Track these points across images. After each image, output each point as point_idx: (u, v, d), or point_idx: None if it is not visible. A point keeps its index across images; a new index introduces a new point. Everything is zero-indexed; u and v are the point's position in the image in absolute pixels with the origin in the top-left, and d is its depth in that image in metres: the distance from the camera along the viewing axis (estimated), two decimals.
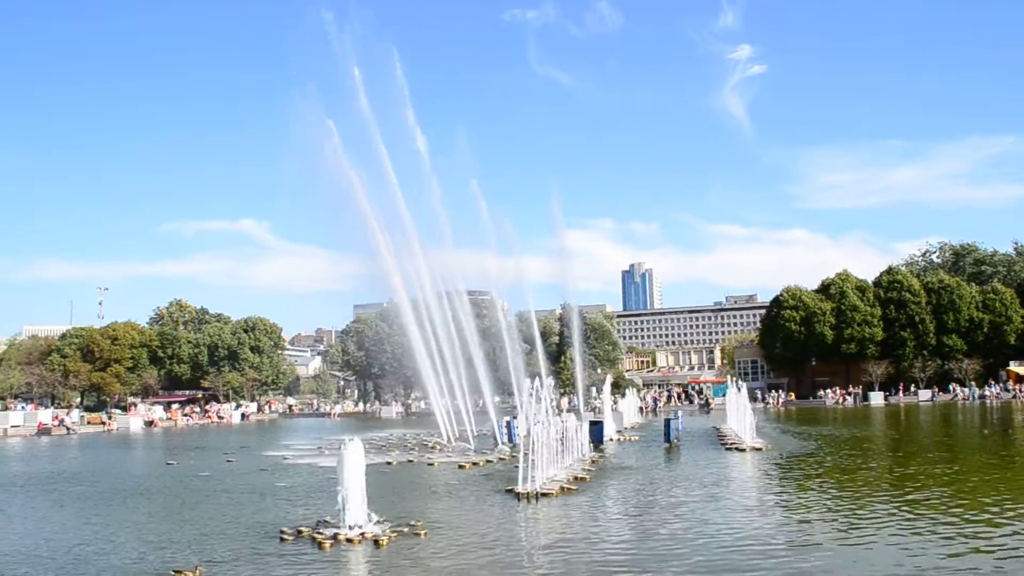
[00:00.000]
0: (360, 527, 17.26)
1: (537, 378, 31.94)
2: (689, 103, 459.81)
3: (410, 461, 35.22)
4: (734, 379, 65.92)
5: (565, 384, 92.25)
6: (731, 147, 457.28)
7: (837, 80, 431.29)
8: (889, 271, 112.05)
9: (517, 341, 54.02)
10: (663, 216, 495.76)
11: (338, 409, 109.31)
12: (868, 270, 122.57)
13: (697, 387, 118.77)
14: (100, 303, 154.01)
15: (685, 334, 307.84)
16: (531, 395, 27.42)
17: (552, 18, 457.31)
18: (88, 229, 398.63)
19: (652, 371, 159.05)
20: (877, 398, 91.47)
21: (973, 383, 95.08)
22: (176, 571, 14.16)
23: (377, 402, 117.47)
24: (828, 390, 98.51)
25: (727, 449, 38.06)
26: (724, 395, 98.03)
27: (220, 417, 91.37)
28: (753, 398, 63.96)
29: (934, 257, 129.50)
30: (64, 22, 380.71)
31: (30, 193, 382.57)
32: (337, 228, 47.00)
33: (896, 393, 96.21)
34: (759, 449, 36.67)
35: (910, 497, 21.57)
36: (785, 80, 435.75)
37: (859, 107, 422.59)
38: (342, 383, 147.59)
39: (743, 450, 36.91)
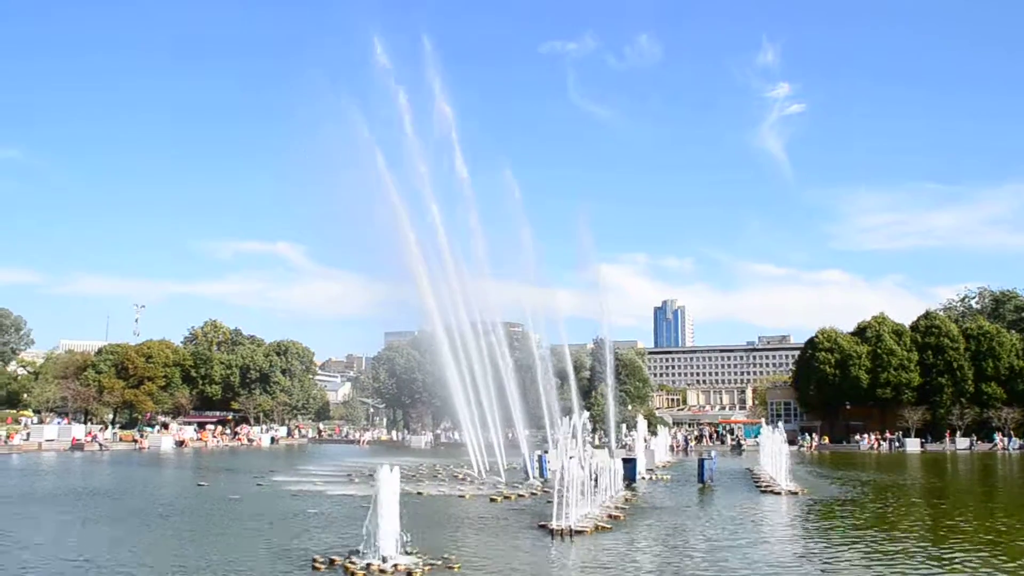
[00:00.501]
0: (393, 558, 17.07)
1: (573, 414, 31.68)
2: (727, 140, 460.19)
3: (441, 492, 34.97)
4: (769, 421, 65.09)
5: (596, 420, 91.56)
6: (768, 185, 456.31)
7: (876, 121, 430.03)
8: (927, 316, 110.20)
9: (550, 375, 53.75)
10: (697, 252, 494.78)
11: (367, 436, 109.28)
12: (904, 314, 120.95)
13: (728, 427, 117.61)
14: (136, 320, 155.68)
15: (716, 373, 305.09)
16: (567, 431, 27.17)
17: (591, 50, 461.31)
18: (127, 246, 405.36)
19: (682, 409, 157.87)
20: (913, 444, 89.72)
21: (1013, 433, 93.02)
22: None
23: (406, 431, 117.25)
24: (864, 435, 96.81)
25: (762, 492, 37.40)
26: (756, 436, 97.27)
27: (250, 440, 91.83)
28: (791, 441, 62.90)
29: (973, 303, 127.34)
30: (112, 41, 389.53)
31: (71, 209, 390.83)
32: (374, 254, 47.18)
33: (932, 440, 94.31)
34: (795, 493, 36.01)
35: (955, 554, 20.86)
36: (824, 119, 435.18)
37: (898, 149, 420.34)
38: (371, 410, 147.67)
39: (778, 493, 36.28)
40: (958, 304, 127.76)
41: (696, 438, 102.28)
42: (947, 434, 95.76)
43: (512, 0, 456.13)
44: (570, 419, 27.86)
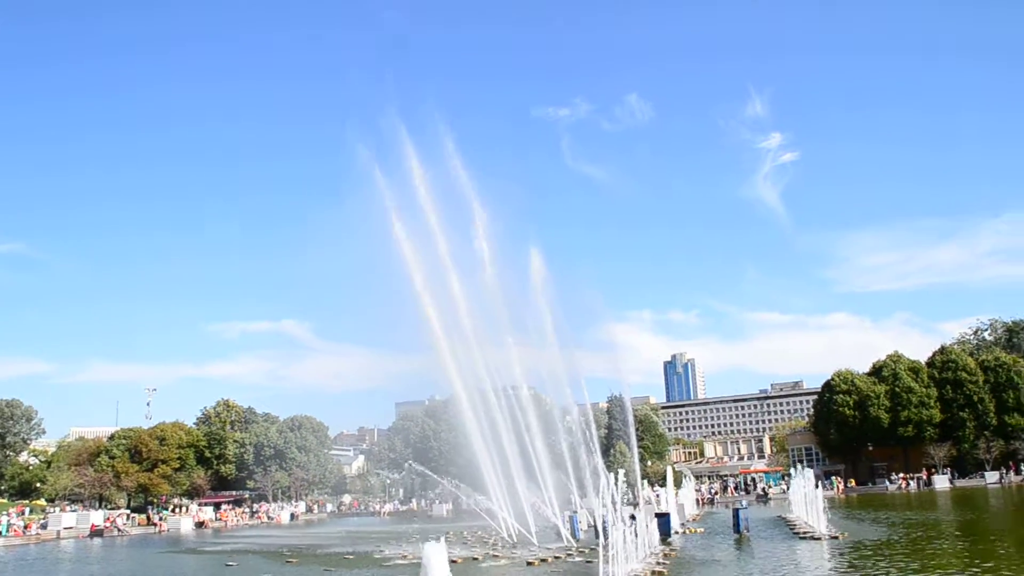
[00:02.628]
0: None
1: (614, 474, 31.29)
2: (722, 192, 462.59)
3: (475, 559, 34.28)
4: (797, 467, 64.22)
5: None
6: (766, 234, 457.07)
7: (869, 162, 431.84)
8: (942, 351, 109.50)
9: (577, 437, 53.20)
10: (702, 305, 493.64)
11: (388, 507, 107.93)
12: (916, 351, 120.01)
13: (750, 477, 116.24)
14: (148, 404, 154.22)
15: (731, 423, 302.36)
16: (604, 490, 26.82)
17: (584, 114, 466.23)
18: (133, 331, 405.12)
19: (701, 462, 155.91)
20: (942, 482, 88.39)
21: None
22: None
23: (424, 500, 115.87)
24: (893, 475, 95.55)
25: (801, 538, 36.72)
26: (777, 483, 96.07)
27: (270, 517, 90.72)
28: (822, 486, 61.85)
29: (986, 335, 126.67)
30: (110, 123, 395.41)
31: (75, 298, 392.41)
32: (383, 327, 47.33)
33: (959, 476, 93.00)
34: (835, 537, 35.34)
35: None
36: (817, 165, 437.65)
37: (894, 187, 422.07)
38: (387, 481, 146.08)
39: (818, 539, 35.62)
40: (972, 337, 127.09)
41: (721, 489, 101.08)
42: (970, 468, 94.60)
43: (502, 68, 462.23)
44: (613, 479, 27.47)
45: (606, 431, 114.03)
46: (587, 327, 73.20)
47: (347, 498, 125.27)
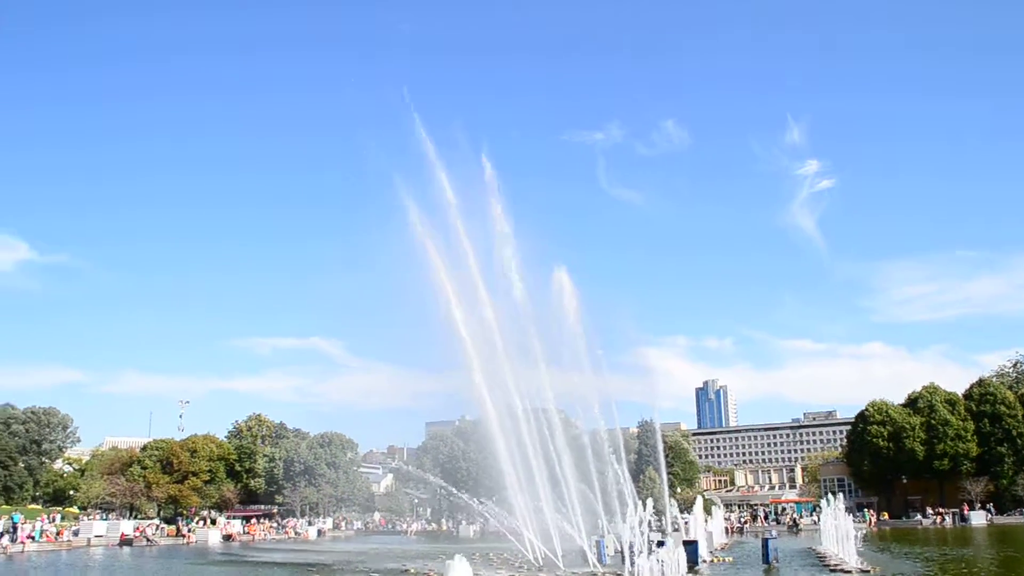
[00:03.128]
0: None
1: (643, 500, 31.15)
2: (759, 219, 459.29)
3: None
4: (827, 498, 63.32)
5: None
6: (802, 262, 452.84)
7: (907, 192, 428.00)
8: (980, 383, 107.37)
9: (606, 462, 52.99)
10: (736, 332, 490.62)
11: (415, 526, 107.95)
12: (953, 384, 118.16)
13: (781, 507, 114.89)
14: (181, 416, 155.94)
15: (763, 452, 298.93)
16: (637, 517, 26.72)
17: (619, 139, 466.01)
18: (168, 344, 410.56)
19: (731, 490, 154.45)
20: (979, 517, 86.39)
21: None
22: None
23: (451, 520, 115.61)
24: (928, 509, 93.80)
25: (831, 571, 36.17)
26: (809, 514, 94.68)
27: (297, 532, 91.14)
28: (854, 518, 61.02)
29: None
30: (153, 136, 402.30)
31: (113, 309, 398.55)
32: (415, 346, 47.61)
33: (997, 512, 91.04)
34: (867, 571, 34.77)
35: None
36: (855, 193, 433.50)
37: (931, 218, 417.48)
38: (415, 500, 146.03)
39: (849, 572, 35.04)
40: (1011, 370, 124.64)
41: (751, 518, 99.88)
42: (1008, 505, 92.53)
43: (537, 93, 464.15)
44: (643, 505, 27.36)
45: (635, 456, 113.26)
46: (620, 351, 73.08)
47: (377, 516, 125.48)
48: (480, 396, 41.98)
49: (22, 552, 60.51)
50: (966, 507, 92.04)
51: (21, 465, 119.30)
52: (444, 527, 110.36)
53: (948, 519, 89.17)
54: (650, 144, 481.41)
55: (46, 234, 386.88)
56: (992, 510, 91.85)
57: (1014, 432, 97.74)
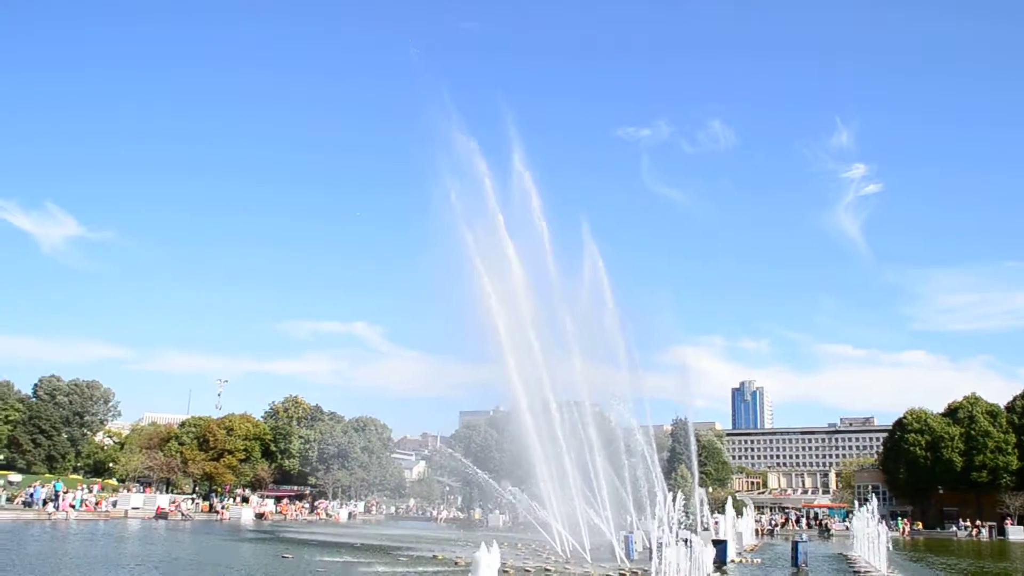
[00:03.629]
0: None
1: (665, 495, 31.17)
2: (802, 222, 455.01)
3: (526, 571, 34.32)
4: (862, 505, 62.69)
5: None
6: (845, 267, 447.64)
7: (954, 200, 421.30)
8: None
9: (638, 457, 52.92)
10: (774, 334, 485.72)
11: (445, 514, 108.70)
12: (995, 395, 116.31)
13: (813, 511, 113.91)
14: (219, 395, 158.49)
15: (797, 456, 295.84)
16: (667, 512, 26.74)
17: (665, 136, 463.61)
18: (209, 324, 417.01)
19: (763, 492, 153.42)
20: (1017, 532, 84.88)
21: None
22: None
23: (481, 509, 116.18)
24: (961, 521, 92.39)
25: None
26: (842, 520, 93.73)
27: (328, 514, 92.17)
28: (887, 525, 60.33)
29: None
30: (197, 128, 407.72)
31: (157, 288, 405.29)
32: (454, 336, 47.96)
33: None
34: None
35: None
36: (900, 199, 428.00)
37: (979, 227, 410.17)
38: (447, 488, 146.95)
39: None
40: None
41: (783, 521, 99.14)
42: None
43: (585, 88, 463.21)
44: (673, 500, 27.38)
45: (668, 454, 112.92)
46: (657, 348, 72.85)
47: (412, 502, 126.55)
48: (513, 387, 42.20)
49: (65, 520, 62.16)
50: (1009, 521, 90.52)
51: (64, 436, 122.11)
52: (476, 515, 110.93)
53: (984, 532, 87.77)
54: (695, 143, 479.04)
55: (95, 210, 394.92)
56: None
57: None
